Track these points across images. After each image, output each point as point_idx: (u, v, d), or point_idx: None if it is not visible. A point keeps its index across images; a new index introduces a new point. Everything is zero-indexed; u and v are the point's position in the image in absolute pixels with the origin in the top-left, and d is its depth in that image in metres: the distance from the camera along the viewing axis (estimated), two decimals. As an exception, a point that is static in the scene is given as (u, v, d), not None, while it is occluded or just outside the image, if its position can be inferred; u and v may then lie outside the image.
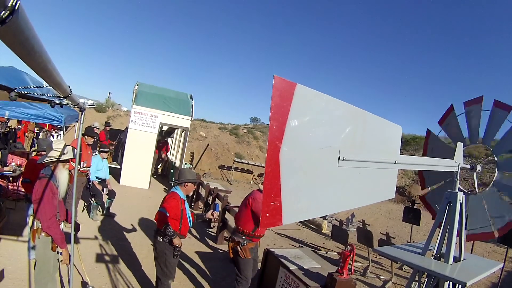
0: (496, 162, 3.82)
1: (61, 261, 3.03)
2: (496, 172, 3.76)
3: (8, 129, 9.09)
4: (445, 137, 5.04)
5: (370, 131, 1.75)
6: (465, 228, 3.49)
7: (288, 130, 1.25)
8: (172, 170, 10.96)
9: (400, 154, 2.03)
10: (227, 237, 6.34)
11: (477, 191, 3.79)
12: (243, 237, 3.74)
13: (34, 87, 2.11)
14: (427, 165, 2.67)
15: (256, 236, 3.82)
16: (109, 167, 6.98)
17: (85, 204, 6.35)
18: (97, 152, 6.56)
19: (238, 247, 3.72)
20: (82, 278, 3.80)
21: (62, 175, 3.00)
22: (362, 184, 1.72)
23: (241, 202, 4.07)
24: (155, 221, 3.51)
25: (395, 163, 1.89)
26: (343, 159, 1.50)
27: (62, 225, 3.07)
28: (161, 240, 3.41)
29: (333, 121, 1.50)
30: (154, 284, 3.64)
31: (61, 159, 3.00)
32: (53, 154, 3.00)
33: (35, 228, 2.89)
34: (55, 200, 2.90)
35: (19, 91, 1.91)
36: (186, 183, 3.56)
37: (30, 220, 3.12)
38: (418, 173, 4.75)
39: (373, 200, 1.99)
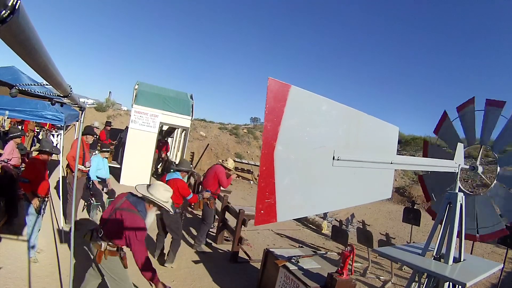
0: (497, 158, 3.85)
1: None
2: (498, 168, 3.80)
3: (10, 125, 9.04)
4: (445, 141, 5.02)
5: (365, 132, 1.76)
6: (477, 229, 3.51)
7: (283, 130, 1.26)
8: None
9: (400, 154, 2.04)
10: (227, 237, 6.35)
11: (490, 183, 3.80)
12: (210, 194, 5.59)
13: (35, 84, 2.12)
14: (427, 165, 2.67)
15: (217, 194, 5.83)
16: (109, 166, 6.98)
17: (85, 203, 6.36)
18: (97, 152, 6.56)
19: (207, 201, 5.56)
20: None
21: (151, 216, 2.99)
22: (357, 184, 1.73)
23: (207, 173, 5.96)
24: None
25: (391, 163, 1.90)
26: (338, 159, 1.52)
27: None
28: (173, 213, 4.46)
29: (327, 122, 1.51)
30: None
31: (160, 203, 2.98)
32: (159, 196, 2.98)
33: (102, 249, 2.83)
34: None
35: (20, 88, 1.92)
36: (183, 172, 5.00)
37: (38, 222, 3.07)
38: (421, 187, 4.76)
39: (369, 200, 2.01)
